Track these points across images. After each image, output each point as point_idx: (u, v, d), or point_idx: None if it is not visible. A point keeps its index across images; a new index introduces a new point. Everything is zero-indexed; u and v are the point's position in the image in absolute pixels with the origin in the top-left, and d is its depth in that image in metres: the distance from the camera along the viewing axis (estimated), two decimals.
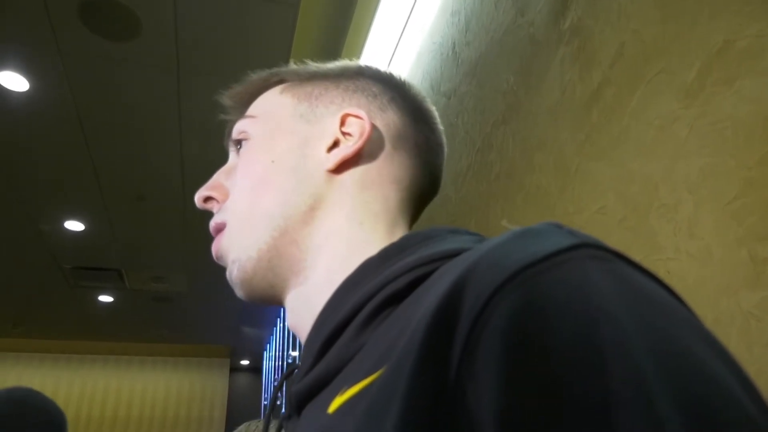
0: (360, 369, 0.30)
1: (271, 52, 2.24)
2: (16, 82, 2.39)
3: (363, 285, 0.35)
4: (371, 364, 0.29)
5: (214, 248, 0.46)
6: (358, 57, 2.03)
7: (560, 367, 0.20)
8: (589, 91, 0.94)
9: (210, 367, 7.24)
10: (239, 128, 0.47)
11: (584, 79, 0.96)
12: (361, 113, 0.44)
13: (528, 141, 1.13)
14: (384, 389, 0.24)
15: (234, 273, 0.43)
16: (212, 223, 0.46)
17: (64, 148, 2.89)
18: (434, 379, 0.22)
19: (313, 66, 0.49)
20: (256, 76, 0.49)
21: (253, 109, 0.48)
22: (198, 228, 3.73)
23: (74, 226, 3.77)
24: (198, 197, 0.47)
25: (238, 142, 0.48)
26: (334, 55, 2.24)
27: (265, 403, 6.45)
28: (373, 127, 0.44)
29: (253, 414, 6.46)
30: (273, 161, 0.44)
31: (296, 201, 0.42)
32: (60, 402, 1.14)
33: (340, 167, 0.43)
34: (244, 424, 1.03)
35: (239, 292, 0.44)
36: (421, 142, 0.47)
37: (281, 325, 5.50)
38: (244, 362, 7.56)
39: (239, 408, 7.04)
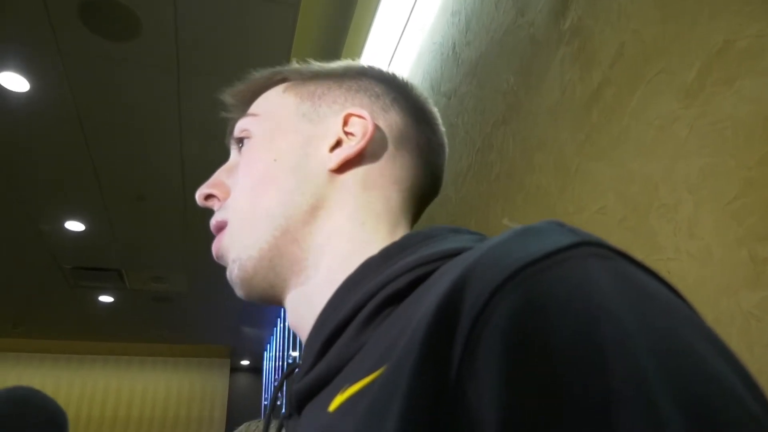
0: (361, 368, 0.30)
1: (271, 52, 2.24)
2: (16, 82, 2.39)
3: (364, 284, 0.35)
4: (372, 363, 0.29)
5: (215, 247, 0.46)
6: (359, 57, 2.03)
7: (561, 365, 0.20)
8: (589, 91, 0.94)
9: (210, 367, 7.24)
10: (241, 126, 0.47)
11: (584, 79, 0.96)
12: (364, 113, 0.44)
13: (528, 141, 1.13)
14: (385, 388, 0.24)
15: (234, 272, 0.43)
16: (213, 221, 0.46)
17: (64, 149, 2.89)
18: (435, 378, 0.22)
19: (316, 65, 0.49)
20: (259, 74, 0.49)
21: (255, 108, 0.48)
22: (198, 228, 3.73)
23: (74, 226, 3.77)
24: (199, 195, 0.47)
25: (240, 141, 0.47)
26: (335, 55, 2.24)
27: (266, 403, 6.45)
28: (376, 128, 0.44)
29: (254, 414, 6.46)
30: (275, 160, 0.44)
31: (298, 200, 0.42)
32: (60, 402, 1.14)
33: (343, 167, 0.43)
34: (245, 424, 1.03)
35: (239, 292, 0.44)
36: (423, 143, 0.47)
37: (281, 325, 5.49)
38: (245, 362, 7.55)
39: (239, 408, 7.04)
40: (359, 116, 0.44)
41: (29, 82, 2.40)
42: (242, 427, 1.01)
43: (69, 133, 2.74)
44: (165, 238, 4.02)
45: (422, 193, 0.47)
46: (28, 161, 3.00)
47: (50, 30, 2.11)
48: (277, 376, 5.53)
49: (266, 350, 6.82)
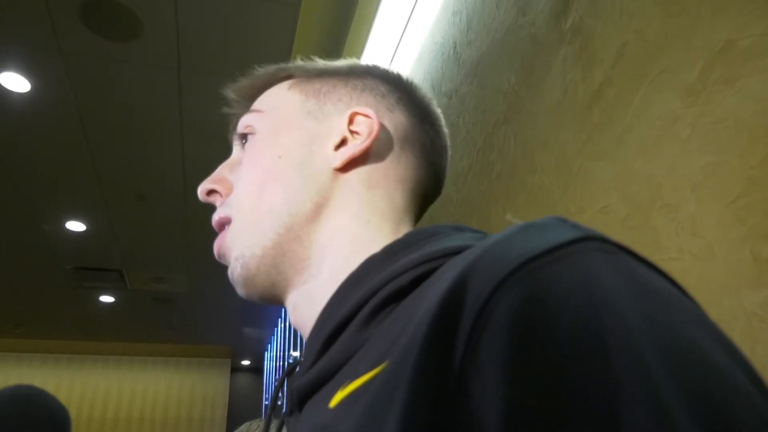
0: (363, 364, 0.30)
1: (272, 52, 2.24)
2: (17, 83, 2.39)
3: (366, 281, 0.35)
4: (374, 359, 0.28)
5: (217, 246, 0.45)
6: (360, 57, 2.03)
7: (564, 360, 0.20)
8: (590, 90, 0.94)
9: (211, 367, 7.24)
10: (245, 122, 0.47)
11: (586, 78, 0.96)
12: (370, 112, 0.43)
13: (529, 141, 1.13)
14: (387, 383, 0.24)
15: (237, 271, 0.43)
16: (216, 217, 0.46)
17: (65, 149, 2.89)
18: (437, 373, 0.22)
19: (321, 63, 0.48)
20: (263, 70, 0.49)
21: (259, 104, 0.48)
22: (199, 228, 3.74)
23: (75, 226, 3.77)
24: (201, 190, 0.47)
25: (244, 137, 0.47)
26: (335, 55, 2.24)
27: (266, 403, 6.45)
28: (382, 127, 0.44)
29: (255, 414, 6.45)
30: (280, 156, 0.43)
31: (302, 198, 0.42)
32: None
33: (348, 166, 0.43)
34: (245, 423, 1.02)
35: (241, 291, 0.44)
36: (427, 143, 0.47)
37: (282, 325, 5.49)
38: (245, 362, 7.55)
39: (240, 408, 7.04)
40: (365, 115, 0.44)
41: (30, 83, 2.40)
42: (243, 427, 1.01)
43: (70, 133, 2.74)
44: (166, 238, 4.02)
45: (425, 193, 0.47)
46: (29, 161, 3.00)
47: (51, 30, 2.11)
48: (277, 376, 5.53)
49: (267, 350, 6.82)
